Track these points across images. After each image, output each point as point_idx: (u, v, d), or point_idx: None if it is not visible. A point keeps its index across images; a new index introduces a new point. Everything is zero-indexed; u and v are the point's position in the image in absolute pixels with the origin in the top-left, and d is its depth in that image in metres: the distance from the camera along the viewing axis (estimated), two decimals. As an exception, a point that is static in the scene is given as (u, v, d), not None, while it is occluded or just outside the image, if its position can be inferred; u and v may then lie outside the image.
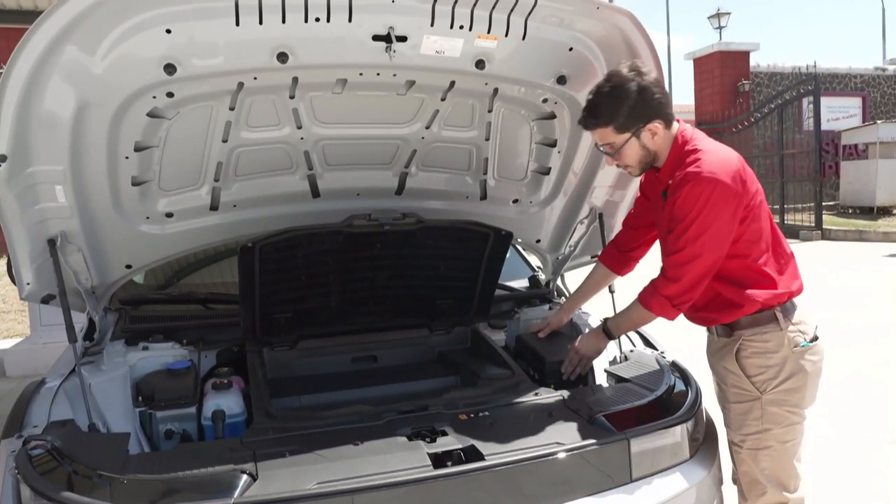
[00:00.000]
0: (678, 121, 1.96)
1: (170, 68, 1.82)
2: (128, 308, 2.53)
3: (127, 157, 2.05)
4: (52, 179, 1.95)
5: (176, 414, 1.95)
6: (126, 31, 1.71)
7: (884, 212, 15.26)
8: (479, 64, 2.06)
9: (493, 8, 1.92)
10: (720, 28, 19.34)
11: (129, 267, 2.36)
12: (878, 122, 16.25)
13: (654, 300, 1.95)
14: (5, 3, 7.91)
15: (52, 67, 1.72)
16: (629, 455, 1.74)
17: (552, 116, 2.37)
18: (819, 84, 14.15)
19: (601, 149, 1.98)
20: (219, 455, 1.65)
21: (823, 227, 13.92)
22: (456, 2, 1.87)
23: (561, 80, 2.19)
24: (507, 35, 1.99)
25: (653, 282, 1.98)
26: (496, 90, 2.23)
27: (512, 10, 1.94)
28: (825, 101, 17.59)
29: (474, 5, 1.90)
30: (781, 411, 1.93)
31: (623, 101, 1.83)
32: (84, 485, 1.53)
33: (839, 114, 19.39)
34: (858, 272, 9.47)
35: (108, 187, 2.09)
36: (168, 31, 1.73)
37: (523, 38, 2.01)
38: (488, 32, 1.97)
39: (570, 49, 2.10)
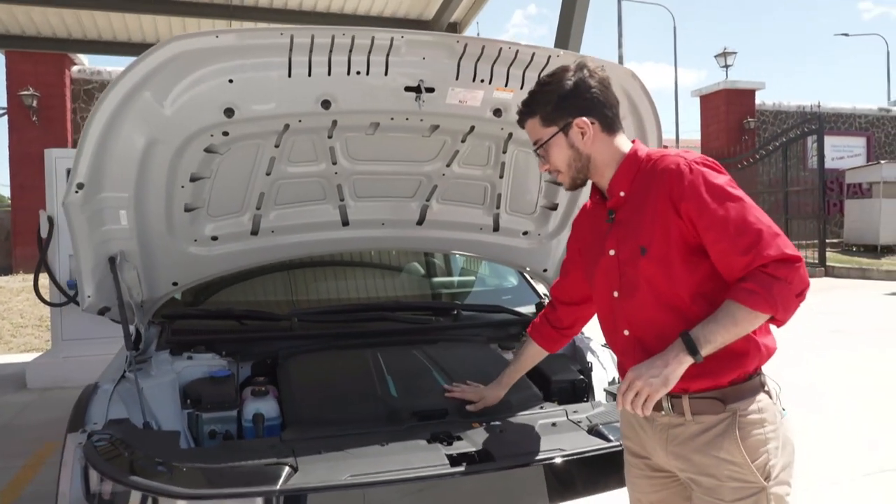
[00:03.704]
0: (635, 141, 1.74)
1: (229, 112, 2.09)
2: (167, 322, 2.77)
3: (183, 187, 2.31)
4: (118, 205, 2.22)
5: (220, 416, 2.17)
6: (195, 80, 1.99)
7: (887, 250, 15.47)
8: (497, 112, 2.33)
9: (511, 65, 2.19)
10: (726, 66, 19.76)
11: (175, 284, 2.61)
12: (882, 161, 16.55)
13: (777, 286, 1.46)
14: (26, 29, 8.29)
15: (129, 109, 1.99)
16: (624, 461, 1.95)
17: (560, 158, 2.62)
18: (822, 123, 14.48)
19: (535, 151, 1.76)
20: (262, 451, 1.88)
21: (827, 264, 14.13)
22: (478, 59, 2.15)
23: (569, 127, 2.45)
24: (521, 88, 2.25)
25: (749, 278, 1.49)
26: (511, 134, 2.50)
27: (527, 66, 2.21)
28: (830, 140, 17.95)
29: (494, 62, 2.17)
30: (783, 495, 1.57)
31: (554, 92, 1.67)
32: (148, 471, 1.76)
33: (844, 153, 19.72)
34: (859, 309, 9.67)
35: (164, 212, 2.35)
36: (230, 81, 2.01)
37: (536, 90, 2.28)
38: (506, 85, 2.24)
39: (578, 101, 2.36)
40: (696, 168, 1.55)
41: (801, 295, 1.50)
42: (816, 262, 14.05)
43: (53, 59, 13.46)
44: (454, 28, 8.40)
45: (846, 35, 26.22)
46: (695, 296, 1.57)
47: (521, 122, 1.77)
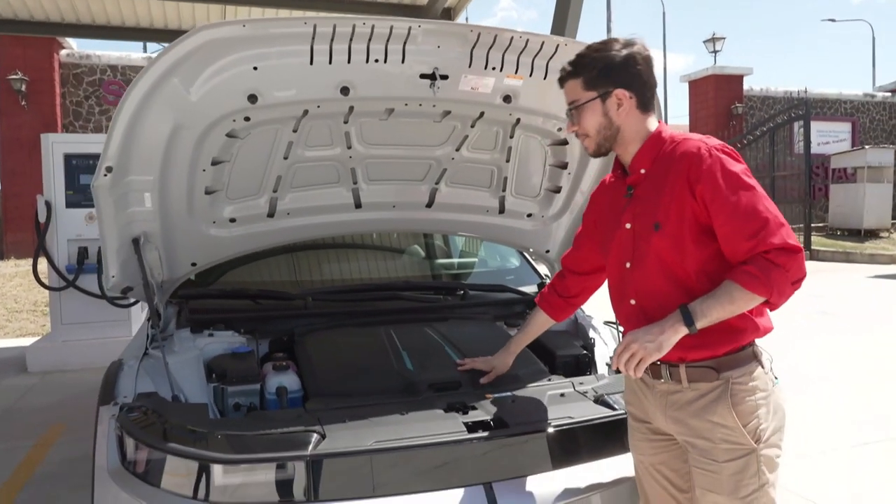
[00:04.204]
0: (661, 122, 1.83)
1: (252, 98, 2.18)
2: (184, 301, 2.86)
3: (204, 170, 2.39)
4: (143, 188, 2.30)
5: (244, 389, 2.27)
6: (221, 67, 2.07)
7: (871, 234, 15.73)
8: (507, 98, 2.43)
9: (521, 53, 2.29)
10: (715, 52, 19.91)
11: (194, 264, 2.69)
12: (867, 147, 16.77)
13: (775, 272, 1.57)
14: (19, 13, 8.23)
15: (158, 96, 2.07)
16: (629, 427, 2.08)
17: (565, 143, 2.73)
18: (809, 109, 14.66)
19: (568, 112, 1.85)
20: (289, 420, 1.99)
21: (812, 247, 14.38)
22: (490, 47, 2.24)
23: (575, 112, 2.55)
24: (531, 75, 2.35)
25: (750, 262, 1.60)
26: (518, 120, 2.60)
27: (536, 55, 2.30)
28: (816, 126, 18.15)
29: (505, 50, 2.26)
30: (773, 457, 1.69)
31: (602, 59, 1.74)
32: (183, 438, 1.85)
33: (829, 138, 19.95)
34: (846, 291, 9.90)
35: (185, 195, 2.43)
36: (255, 68, 2.09)
37: (544, 77, 2.37)
38: (516, 73, 2.33)
39: (584, 87, 2.46)
40: (715, 154, 1.65)
41: (796, 283, 1.61)
42: (802, 245, 14.26)
43: (42, 43, 13.34)
44: (448, 14, 8.43)
45: (833, 21, 26.50)
46: (699, 273, 1.68)
47: (562, 81, 1.84)
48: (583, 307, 3.24)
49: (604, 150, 1.83)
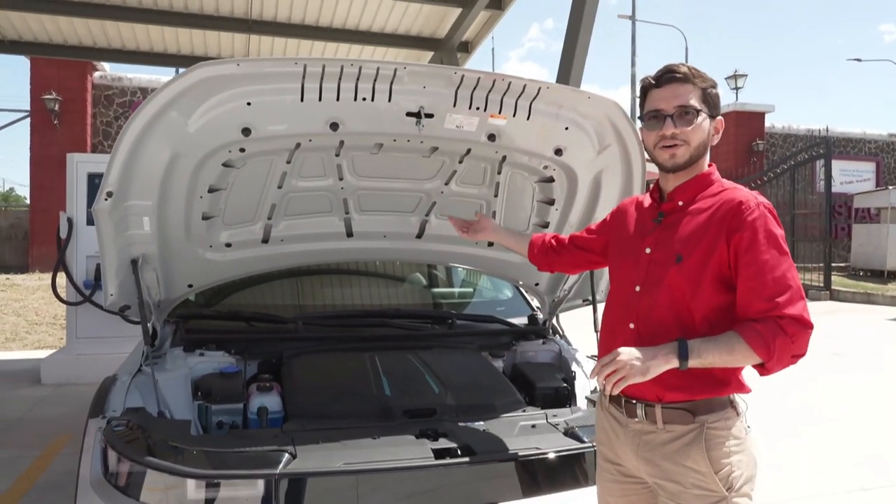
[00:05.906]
0: (711, 165, 1.83)
1: (246, 131, 2.30)
2: (181, 321, 2.97)
3: (201, 197, 2.52)
4: (142, 212, 2.42)
5: (228, 408, 2.37)
6: (217, 102, 2.20)
7: (894, 276, 15.46)
8: (491, 137, 2.52)
9: (504, 94, 2.38)
10: (737, 89, 19.92)
11: (190, 286, 2.81)
12: (891, 187, 16.57)
13: (780, 338, 1.56)
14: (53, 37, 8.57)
15: (157, 126, 2.20)
16: (595, 461, 2.12)
17: (551, 180, 2.82)
18: (830, 147, 14.53)
19: (667, 116, 1.73)
20: (265, 439, 2.07)
21: (832, 287, 14.14)
22: (474, 88, 2.34)
23: (558, 151, 2.64)
24: (514, 115, 2.44)
25: (760, 322, 1.59)
26: (504, 157, 2.69)
27: (519, 96, 2.40)
28: (839, 164, 18.01)
29: (489, 92, 2.36)
30: None
31: (712, 85, 1.78)
32: (162, 453, 1.95)
33: (853, 177, 19.77)
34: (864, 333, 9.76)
35: (183, 220, 2.55)
36: (248, 104, 2.22)
37: (528, 118, 2.46)
38: (499, 113, 2.42)
39: (566, 128, 2.54)
40: (762, 210, 1.66)
41: (795, 357, 1.59)
42: (822, 285, 14.09)
43: (76, 65, 13.85)
44: (465, 47, 8.62)
45: (859, 60, 26.40)
46: (703, 319, 1.67)
47: (676, 80, 1.75)
48: (568, 339, 3.32)
49: (686, 165, 1.77)
